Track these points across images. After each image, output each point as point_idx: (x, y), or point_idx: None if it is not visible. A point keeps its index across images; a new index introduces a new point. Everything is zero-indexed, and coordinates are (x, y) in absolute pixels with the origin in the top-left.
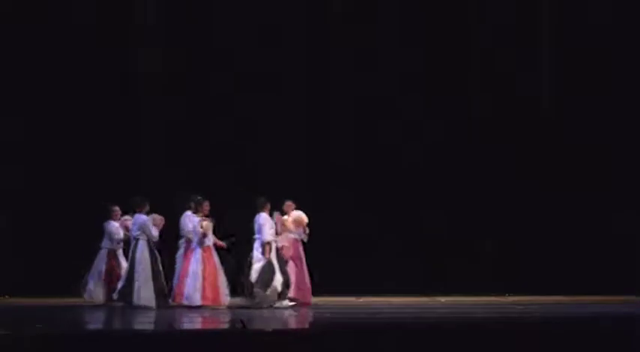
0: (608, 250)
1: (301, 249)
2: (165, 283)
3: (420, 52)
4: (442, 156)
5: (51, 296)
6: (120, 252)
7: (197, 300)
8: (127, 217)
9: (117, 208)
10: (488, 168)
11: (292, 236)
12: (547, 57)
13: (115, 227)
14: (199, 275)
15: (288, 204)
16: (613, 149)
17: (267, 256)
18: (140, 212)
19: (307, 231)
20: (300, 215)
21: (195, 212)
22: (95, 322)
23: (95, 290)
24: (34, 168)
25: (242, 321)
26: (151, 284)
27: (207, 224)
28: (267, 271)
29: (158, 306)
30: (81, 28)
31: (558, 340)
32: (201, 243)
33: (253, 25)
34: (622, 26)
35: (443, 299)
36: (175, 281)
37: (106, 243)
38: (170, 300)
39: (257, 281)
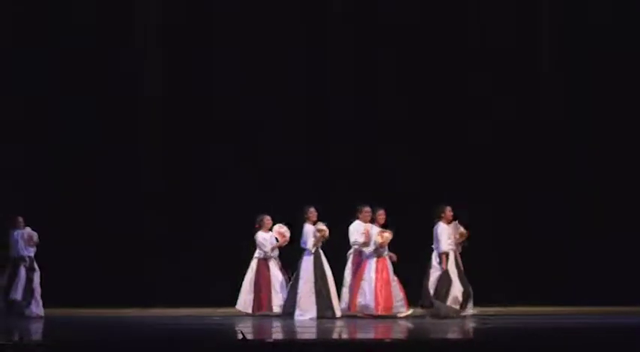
0: None
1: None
2: (329, 294)
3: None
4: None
5: (206, 306)
6: (273, 262)
7: (371, 310)
8: (280, 225)
9: (268, 217)
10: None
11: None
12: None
13: (263, 237)
14: (373, 285)
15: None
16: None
17: (444, 266)
18: (307, 221)
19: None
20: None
21: (371, 221)
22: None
23: (245, 300)
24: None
25: (242, 332)
26: (313, 295)
27: (387, 235)
28: (445, 281)
29: (320, 317)
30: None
31: None
32: (377, 254)
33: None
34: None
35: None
36: (349, 291)
37: (258, 253)
38: (342, 310)
39: (435, 293)
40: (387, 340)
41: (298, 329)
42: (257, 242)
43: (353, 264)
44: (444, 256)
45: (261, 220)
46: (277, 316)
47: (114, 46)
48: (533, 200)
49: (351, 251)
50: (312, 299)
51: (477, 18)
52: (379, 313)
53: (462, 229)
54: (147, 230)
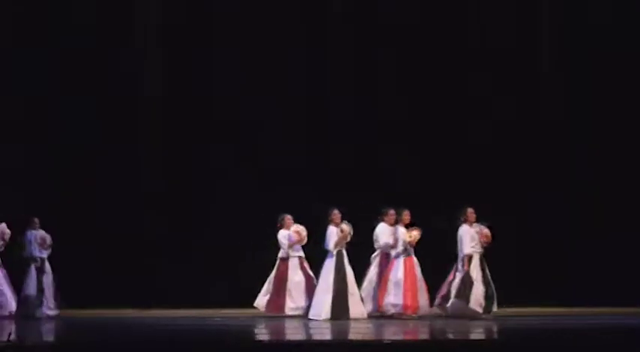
0: None
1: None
2: (346, 296)
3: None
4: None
5: (206, 307)
6: (294, 262)
7: (400, 309)
8: (298, 225)
9: (289, 217)
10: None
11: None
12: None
13: (282, 235)
14: (401, 284)
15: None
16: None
17: (465, 268)
18: (330, 223)
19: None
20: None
21: (395, 223)
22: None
23: (262, 299)
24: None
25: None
26: (329, 296)
27: (416, 234)
28: (467, 283)
29: (335, 318)
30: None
31: None
32: (406, 253)
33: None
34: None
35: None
36: (375, 292)
37: (280, 252)
38: (368, 312)
39: (457, 294)
40: (409, 340)
41: (311, 330)
42: (279, 240)
43: (379, 265)
44: (466, 258)
45: (283, 219)
46: (292, 317)
47: (114, 46)
48: (533, 200)
49: (377, 253)
50: (328, 300)
51: (477, 18)
52: (408, 313)
53: (486, 231)
54: (147, 230)
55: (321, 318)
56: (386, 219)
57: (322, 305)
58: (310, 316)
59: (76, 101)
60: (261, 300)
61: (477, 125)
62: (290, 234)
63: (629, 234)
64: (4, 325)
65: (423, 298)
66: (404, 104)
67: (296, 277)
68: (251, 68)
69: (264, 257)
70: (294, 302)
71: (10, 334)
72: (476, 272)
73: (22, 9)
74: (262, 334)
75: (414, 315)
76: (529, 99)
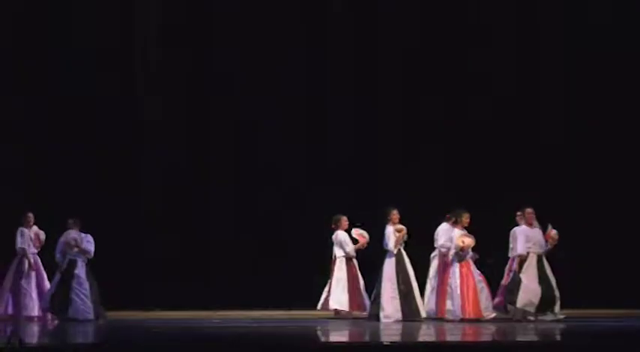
0: None
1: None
2: (413, 295)
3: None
4: None
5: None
6: (355, 262)
7: (458, 316)
8: (358, 228)
9: (344, 218)
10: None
11: None
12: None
13: (344, 235)
14: (459, 291)
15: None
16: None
17: (516, 269)
18: (388, 223)
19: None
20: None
21: (455, 224)
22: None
23: (340, 299)
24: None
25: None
26: (397, 298)
27: (469, 242)
28: (515, 284)
29: (406, 320)
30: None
31: None
32: (459, 258)
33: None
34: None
35: None
36: (436, 295)
37: (339, 252)
38: (427, 313)
39: (507, 295)
40: (471, 342)
41: (383, 332)
42: (338, 241)
43: (438, 266)
44: (518, 258)
45: (339, 220)
46: (363, 318)
47: (114, 48)
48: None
49: (435, 253)
50: (397, 301)
51: (477, 19)
52: (467, 317)
53: (554, 232)
54: (147, 228)
55: (392, 320)
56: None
57: (392, 306)
58: (382, 318)
59: (76, 101)
60: (339, 301)
61: (478, 125)
62: (355, 237)
63: None
64: (24, 326)
65: (485, 301)
66: (404, 104)
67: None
68: (251, 68)
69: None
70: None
71: (9, 336)
72: (529, 272)
73: (22, 9)
74: (336, 335)
75: (476, 318)
76: (530, 96)
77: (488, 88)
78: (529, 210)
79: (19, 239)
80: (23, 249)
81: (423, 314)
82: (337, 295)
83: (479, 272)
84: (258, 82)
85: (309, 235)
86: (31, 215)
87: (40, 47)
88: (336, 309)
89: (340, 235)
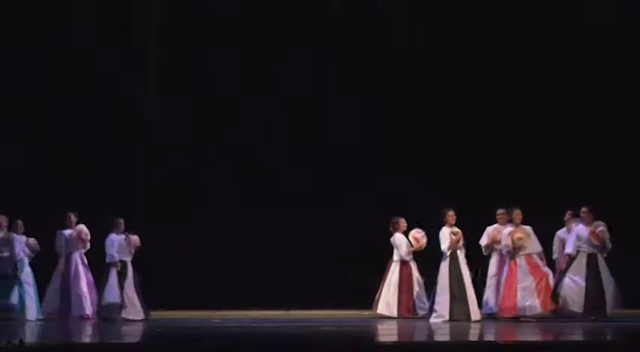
0: None
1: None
2: (465, 297)
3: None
4: None
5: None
6: (413, 264)
7: (535, 310)
8: (418, 230)
9: (403, 220)
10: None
11: None
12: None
13: (399, 238)
14: (502, 287)
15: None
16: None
17: (562, 267)
18: (445, 225)
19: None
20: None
21: (509, 222)
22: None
23: (389, 302)
24: None
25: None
26: (447, 298)
27: (519, 236)
28: (557, 283)
29: (454, 320)
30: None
31: None
32: (510, 255)
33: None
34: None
35: None
36: (493, 293)
37: (396, 255)
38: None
39: (551, 294)
40: (516, 342)
41: (433, 331)
42: (394, 244)
43: (496, 265)
44: (566, 257)
45: (396, 223)
46: (421, 318)
47: (114, 46)
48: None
49: (494, 252)
50: (447, 301)
51: (478, 19)
52: (507, 315)
53: (599, 229)
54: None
55: (442, 320)
56: (498, 219)
57: (443, 307)
58: (432, 319)
59: (76, 101)
60: (388, 304)
61: (479, 124)
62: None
63: None
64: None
65: (531, 299)
66: (405, 106)
67: (419, 278)
68: (251, 68)
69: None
70: (421, 302)
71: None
72: (577, 271)
73: (22, 8)
74: (387, 335)
75: (516, 316)
76: (530, 99)
77: (488, 87)
78: (584, 208)
79: (60, 240)
80: (62, 250)
81: (475, 318)
82: (386, 299)
83: (543, 267)
84: (258, 81)
85: (310, 235)
86: (72, 215)
87: (38, 47)
88: None
89: (396, 238)
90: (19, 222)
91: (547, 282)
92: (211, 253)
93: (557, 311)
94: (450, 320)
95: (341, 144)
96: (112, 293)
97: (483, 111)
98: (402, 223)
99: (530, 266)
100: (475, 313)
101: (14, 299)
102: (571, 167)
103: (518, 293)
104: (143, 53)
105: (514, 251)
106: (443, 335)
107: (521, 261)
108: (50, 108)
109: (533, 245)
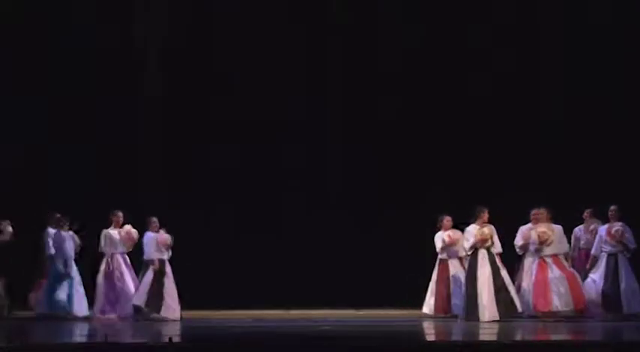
0: None
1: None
2: (476, 296)
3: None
4: None
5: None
6: (454, 263)
7: (530, 310)
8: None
9: (448, 218)
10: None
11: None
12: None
13: (437, 236)
14: (532, 286)
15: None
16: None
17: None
18: (474, 222)
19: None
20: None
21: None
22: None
23: (428, 302)
24: None
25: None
26: (486, 297)
27: (545, 233)
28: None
29: (467, 319)
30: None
31: None
32: (538, 251)
33: None
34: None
35: None
36: (526, 292)
37: (440, 253)
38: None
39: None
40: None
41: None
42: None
43: (529, 265)
44: (592, 258)
45: (441, 221)
46: (451, 318)
47: (114, 47)
48: None
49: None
50: (462, 301)
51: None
52: (541, 312)
53: (615, 229)
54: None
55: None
56: (532, 219)
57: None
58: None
59: (76, 101)
60: (428, 303)
61: (479, 124)
62: (443, 237)
63: None
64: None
65: (558, 298)
66: (406, 106)
67: (460, 277)
68: (251, 68)
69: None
70: (458, 300)
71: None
72: (596, 271)
73: (23, 11)
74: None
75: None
76: (531, 99)
77: (488, 88)
78: (613, 207)
79: (102, 240)
80: (106, 250)
81: (484, 318)
82: (427, 298)
83: (569, 268)
84: (258, 81)
85: (309, 235)
86: (120, 214)
87: (38, 47)
88: None
89: (436, 236)
90: (65, 218)
91: (575, 281)
92: (209, 253)
93: (582, 311)
94: (465, 319)
95: (341, 145)
96: (138, 295)
97: (483, 111)
98: (446, 221)
99: (556, 265)
100: (491, 313)
101: (65, 296)
102: (592, 165)
103: (552, 289)
104: (143, 53)
105: (540, 246)
106: (430, 336)
107: (548, 259)
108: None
109: (560, 245)
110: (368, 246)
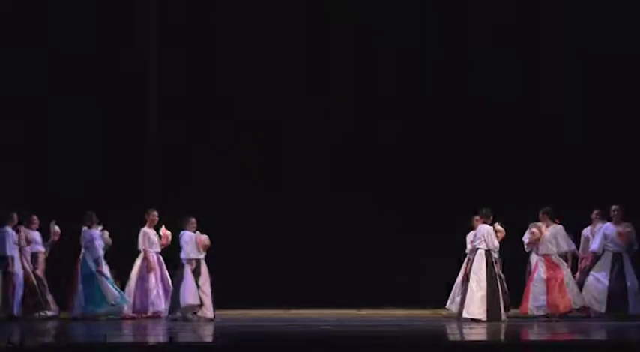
0: None
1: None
2: (498, 294)
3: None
4: None
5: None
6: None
7: (543, 310)
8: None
9: (477, 218)
10: None
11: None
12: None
13: (470, 235)
14: (543, 283)
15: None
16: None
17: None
18: (485, 222)
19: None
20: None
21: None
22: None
23: (454, 299)
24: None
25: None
26: (482, 295)
27: (533, 233)
28: (579, 280)
29: (490, 319)
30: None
31: None
32: (530, 250)
33: None
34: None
35: None
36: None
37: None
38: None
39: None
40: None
41: (465, 330)
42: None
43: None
44: (592, 256)
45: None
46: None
47: (114, 46)
48: None
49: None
50: (484, 300)
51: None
52: (556, 312)
53: (626, 230)
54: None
55: (476, 318)
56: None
57: (478, 304)
58: (462, 315)
59: (76, 100)
60: (453, 301)
61: (480, 124)
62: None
63: None
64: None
65: (533, 301)
66: (406, 107)
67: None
68: (251, 68)
69: None
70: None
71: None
72: (601, 269)
73: (22, 8)
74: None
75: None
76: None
77: (488, 89)
78: (614, 207)
79: (140, 239)
80: (144, 248)
81: (480, 317)
82: (452, 296)
83: (564, 269)
84: (258, 81)
85: (309, 235)
86: (155, 213)
87: (38, 47)
88: None
89: (467, 235)
90: (94, 216)
91: (557, 285)
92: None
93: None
94: (487, 319)
95: (342, 144)
96: (191, 294)
97: (483, 110)
98: (475, 221)
99: (546, 266)
100: (473, 312)
101: (99, 294)
102: (592, 166)
103: (531, 291)
104: (143, 53)
105: (527, 246)
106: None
107: (540, 260)
108: (50, 108)
109: (552, 245)
110: (368, 246)
